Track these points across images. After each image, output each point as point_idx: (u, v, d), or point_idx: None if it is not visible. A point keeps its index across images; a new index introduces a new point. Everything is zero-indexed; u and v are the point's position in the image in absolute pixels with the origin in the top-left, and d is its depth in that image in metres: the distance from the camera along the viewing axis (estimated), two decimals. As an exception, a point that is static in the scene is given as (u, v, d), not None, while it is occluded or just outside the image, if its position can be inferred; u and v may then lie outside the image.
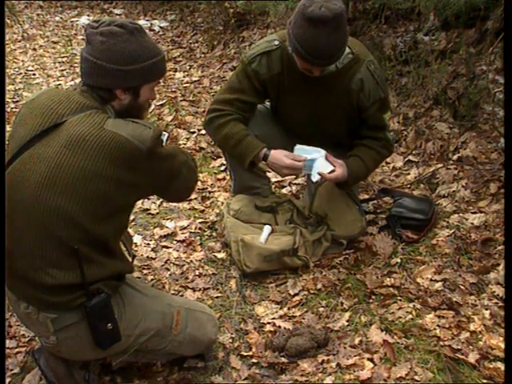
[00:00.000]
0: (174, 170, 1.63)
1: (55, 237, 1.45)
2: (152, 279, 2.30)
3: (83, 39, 6.10)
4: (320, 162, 2.17)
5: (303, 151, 2.19)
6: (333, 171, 2.16)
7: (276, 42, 2.17)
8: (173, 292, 2.22)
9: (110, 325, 1.53)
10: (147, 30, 5.53)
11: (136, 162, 1.47)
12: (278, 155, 2.17)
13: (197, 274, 2.33)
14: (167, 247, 2.52)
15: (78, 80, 4.79)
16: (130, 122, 1.52)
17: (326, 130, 2.32)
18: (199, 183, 3.03)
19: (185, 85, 4.54)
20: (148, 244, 2.54)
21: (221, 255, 2.43)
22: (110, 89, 1.54)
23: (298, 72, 2.11)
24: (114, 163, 1.44)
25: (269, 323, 2.04)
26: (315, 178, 2.18)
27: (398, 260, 2.27)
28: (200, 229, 2.64)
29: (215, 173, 3.13)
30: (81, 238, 1.46)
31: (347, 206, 2.36)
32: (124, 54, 1.51)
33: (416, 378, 1.74)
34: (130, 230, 2.51)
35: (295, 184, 2.91)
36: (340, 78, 2.14)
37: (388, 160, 2.99)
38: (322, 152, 2.18)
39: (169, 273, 2.34)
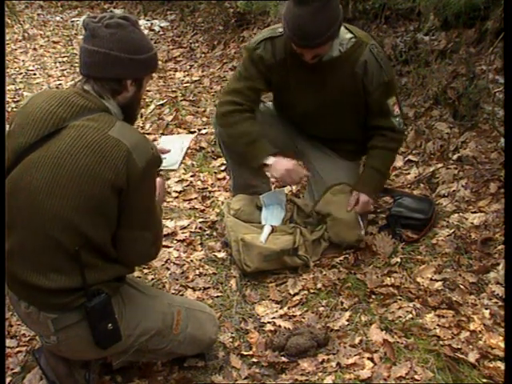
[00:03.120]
0: (150, 213, 1.60)
1: (56, 242, 1.45)
2: (152, 279, 2.31)
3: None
4: None
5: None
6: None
7: (280, 30, 2.17)
8: (173, 291, 2.22)
9: (110, 325, 1.53)
10: (147, 30, 5.53)
11: (131, 174, 1.45)
12: (282, 159, 2.23)
13: (197, 273, 2.33)
14: (167, 247, 2.52)
15: (78, 80, 4.79)
16: (137, 133, 1.53)
17: (333, 121, 2.31)
18: (199, 183, 3.03)
19: (185, 84, 4.54)
20: (148, 243, 2.54)
21: (221, 255, 2.44)
22: (120, 80, 1.54)
23: (303, 61, 2.11)
24: (112, 170, 1.43)
25: (269, 322, 2.04)
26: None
27: (398, 259, 2.27)
28: (200, 228, 2.64)
29: (215, 172, 3.14)
30: (81, 243, 1.45)
31: (347, 212, 2.34)
32: (134, 43, 1.53)
33: (416, 377, 1.74)
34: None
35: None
36: (344, 62, 2.15)
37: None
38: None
39: (169, 272, 2.35)
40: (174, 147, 2.04)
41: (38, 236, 1.46)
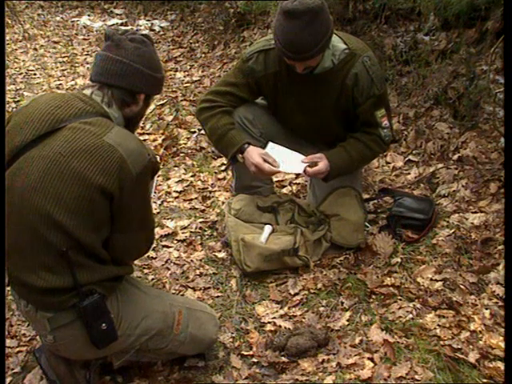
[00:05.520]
0: (144, 216, 1.63)
1: (46, 241, 1.46)
2: (152, 279, 2.31)
3: (84, 39, 6.12)
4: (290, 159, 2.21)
5: (276, 151, 2.22)
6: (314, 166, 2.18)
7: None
8: (173, 291, 2.22)
9: (104, 325, 1.54)
10: (147, 30, 5.53)
11: (124, 181, 1.46)
12: (253, 151, 2.18)
13: (197, 273, 2.33)
14: (168, 247, 2.52)
15: (78, 80, 4.80)
16: (133, 139, 1.53)
17: (327, 130, 2.32)
18: (200, 183, 3.04)
19: (185, 85, 4.54)
20: (149, 243, 2.54)
21: (221, 255, 2.44)
22: (134, 92, 1.60)
23: (296, 72, 2.12)
24: (103, 176, 1.44)
25: (269, 323, 2.04)
26: (288, 170, 2.25)
27: (399, 260, 2.27)
28: (200, 228, 2.64)
29: (216, 172, 3.14)
30: (70, 244, 1.46)
31: (356, 214, 2.35)
32: (155, 61, 1.64)
33: (416, 377, 1.74)
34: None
35: (296, 184, 2.91)
36: (336, 74, 2.15)
37: (388, 160, 3.01)
38: (299, 157, 2.20)
39: (169, 272, 2.35)
40: (288, 158, 2.20)
41: (29, 234, 1.47)
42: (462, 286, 2.07)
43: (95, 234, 1.50)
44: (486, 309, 1.96)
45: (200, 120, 2.34)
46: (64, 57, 5.59)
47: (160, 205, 2.85)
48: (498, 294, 2.01)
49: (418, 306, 2.02)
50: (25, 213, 1.47)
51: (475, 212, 2.45)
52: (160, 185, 3.00)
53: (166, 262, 2.41)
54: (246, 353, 1.92)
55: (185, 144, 3.47)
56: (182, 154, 3.36)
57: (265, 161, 2.16)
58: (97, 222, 1.49)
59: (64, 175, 1.44)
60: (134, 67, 1.57)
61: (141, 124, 3.74)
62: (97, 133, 1.47)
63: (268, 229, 2.30)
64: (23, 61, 5.48)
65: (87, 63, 5.30)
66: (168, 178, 3.08)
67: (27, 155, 1.48)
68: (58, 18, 7.06)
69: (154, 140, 3.51)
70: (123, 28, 1.70)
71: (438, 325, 1.93)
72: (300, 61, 2.02)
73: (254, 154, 2.18)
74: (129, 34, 1.60)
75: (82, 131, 1.47)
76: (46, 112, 1.51)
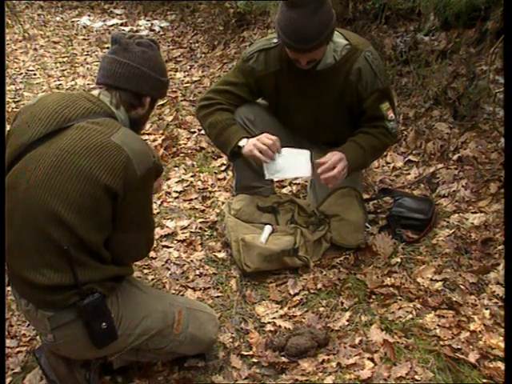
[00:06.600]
0: (146, 217, 1.64)
1: (49, 238, 1.46)
2: (152, 279, 2.31)
3: (84, 39, 6.12)
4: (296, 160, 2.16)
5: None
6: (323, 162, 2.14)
7: (275, 40, 2.17)
8: (173, 291, 2.22)
9: (104, 324, 1.54)
10: (147, 30, 5.51)
11: (129, 181, 1.47)
12: (254, 138, 2.15)
13: (197, 273, 2.33)
14: (168, 247, 2.52)
15: (78, 80, 4.80)
16: (139, 140, 1.54)
17: (332, 127, 2.31)
18: (200, 183, 3.04)
19: (185, 85, 4.54)
20: (148, 244, 2.54)
21: (221, 255, 2.44)
22: (141, 95, 1.63)
23: (298, 70, 2.11)
24: (109, 174, 1.44)
25: (269, 323, 2.04)
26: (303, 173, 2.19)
27: (399, 260, 2.27)
28: (200, 228, 2.64)
29: (215, 172, 3.14)
30: (73, 241, 1.46)
31: (356, 214, 2.35)
32: (161, 65, 1.66)
33: (416, 377, 1.74)
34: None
35: (296, 184, 2.91)
36: (339, 70, 2.14)
37: (388, 160, 3.01)
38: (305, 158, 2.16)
39: (169, 272, 2.35)
40: (296, 159, 2.15)
41: (33, 231, 1.47)
42: (461, 286, 2.07)
43: (98, 233, 1.50)
44: (486, 309, 1.96)
45: (199, 118, 2.34)
46: (64, 57, 5.59)
47: (160, 205, 2.85)
48: (497, 294, 2.01)
49: (418, 306, 2.02)
50: (29, 210, 1.47)
51: (475, 212, 2.45)
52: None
53: (166, 262, 2.41)
54: (245, 353, 1.92)
55: (185, 144, 3.47)
56: (182, 154, 3.36)
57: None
58: (100, 221, 1.49)
59: (70, 173, 1.44)
60: (141, 70, 1.59)
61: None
62: (104, 132, 1.47)
63: (268, 229, 2.30)
64: (23, 61, 5.48)
65: (87, 63, 5.31)
66: (168, 178, 3.08)
67: (33, 153, 1.49)
68: (57, 18, 7.06)
69: (154, 140, 3.51)
70: (125, 29, 1.71)
71: (438, 325, 1.92)
72: (305, 52, 2.00)
73: (254, 138, 2.15)
74: (136, 38, 1.62)
75: (90, 130, 1.47)
76: (54, 111, 1.52)
